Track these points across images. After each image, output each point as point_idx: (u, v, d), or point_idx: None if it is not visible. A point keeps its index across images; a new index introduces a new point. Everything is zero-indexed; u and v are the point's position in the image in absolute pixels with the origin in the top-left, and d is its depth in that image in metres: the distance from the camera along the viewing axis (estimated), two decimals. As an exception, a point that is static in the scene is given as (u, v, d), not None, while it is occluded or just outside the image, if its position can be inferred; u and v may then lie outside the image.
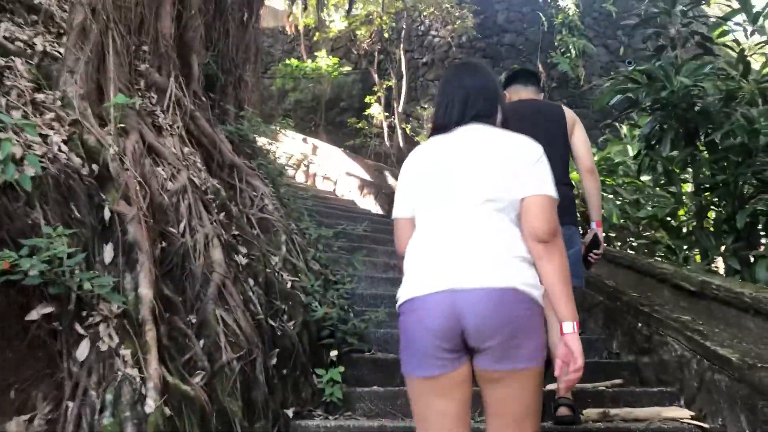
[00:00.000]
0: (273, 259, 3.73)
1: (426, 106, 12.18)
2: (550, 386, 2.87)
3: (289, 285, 3.63)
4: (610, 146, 7.20)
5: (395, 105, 11.76)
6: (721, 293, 3.05)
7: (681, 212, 5.18)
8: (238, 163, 4.39)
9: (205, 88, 4.83)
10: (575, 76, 11.52)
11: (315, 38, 12.99)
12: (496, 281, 1.83)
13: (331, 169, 10.99)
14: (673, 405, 3.13)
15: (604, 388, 3.42)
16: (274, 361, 3.16)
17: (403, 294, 1.96)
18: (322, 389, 3.29)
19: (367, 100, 12.19)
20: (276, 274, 3.60)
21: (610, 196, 6.70)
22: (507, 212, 1.94)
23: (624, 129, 7.93)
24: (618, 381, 3.58)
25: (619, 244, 6.91)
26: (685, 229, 5.69)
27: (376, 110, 11.88)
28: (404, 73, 11.73)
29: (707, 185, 4.68)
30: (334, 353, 3.53)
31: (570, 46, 11.49)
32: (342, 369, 3.40)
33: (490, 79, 2.20)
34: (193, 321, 2.82)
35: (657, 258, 7.43)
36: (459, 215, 1.94)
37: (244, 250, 3.62)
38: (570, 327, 1.90)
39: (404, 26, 12.19)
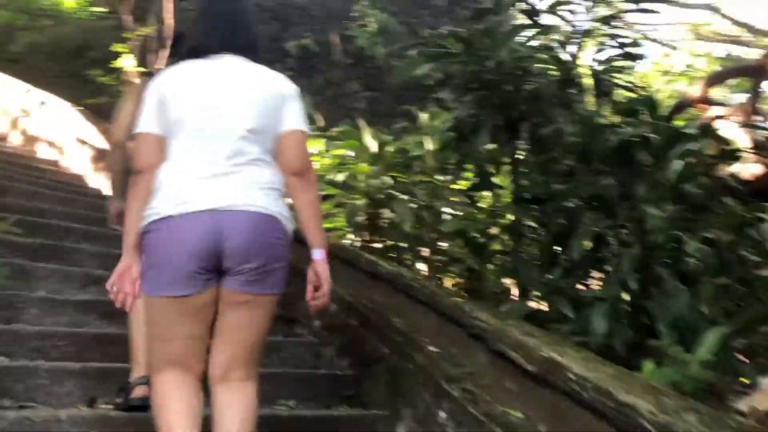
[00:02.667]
0: None
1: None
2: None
3: None
4: (406, 137, 6.03)
5: (155, 58, 9.62)
6: (587, 392, 1.80)
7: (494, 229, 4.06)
8: None
9: None
10: (372, 54, 10.38)
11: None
12: (258, 206, 1.98)
13: (59, 133, 8.61)
14: None
15: None
16: None
17: (160, 210, 1.97)
18: None
19: (117, 48, 9.90)
20: None
21: (405, 197, 5.50)
22: (266, 144, 2.11)
23: (424, 117, 6.85)
24: None
25: (409, 257, 5.77)
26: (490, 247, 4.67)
27: (129, 63, 9.66)
28: (172, 22, 9.66)
29: (533, 196, 3.58)
30: None
31: (371, 20, 10.32)
32: None
33: (253, 16, 2.44)
34: None
35: (455, 282, 6.46)
36: (223, 142, 2.03)
37: None
38: (319, 254, 2.17)
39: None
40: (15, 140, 8.96)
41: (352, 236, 5.61)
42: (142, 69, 9.66)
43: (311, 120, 9.13)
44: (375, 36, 10.35)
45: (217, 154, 2.02)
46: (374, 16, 10.27)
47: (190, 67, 2.14)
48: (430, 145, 6.37)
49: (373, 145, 5.81)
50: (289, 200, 2.20)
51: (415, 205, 5.60)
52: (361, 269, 4.10)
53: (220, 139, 2.04)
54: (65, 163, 8.30)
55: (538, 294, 3.45)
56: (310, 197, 2.16)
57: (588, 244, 3.42)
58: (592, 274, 3.62)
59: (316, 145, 6.57)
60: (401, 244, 5.60)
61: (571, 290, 3.33)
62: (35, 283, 3.84)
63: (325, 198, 5.90)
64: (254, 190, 2.01)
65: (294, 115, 2.18)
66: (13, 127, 9.09)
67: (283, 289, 2.09)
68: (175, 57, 2.22)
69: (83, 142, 8.25)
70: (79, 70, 11.08)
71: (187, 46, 2.25)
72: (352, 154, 6.08)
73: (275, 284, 2.06)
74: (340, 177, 5.57)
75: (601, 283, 3.49)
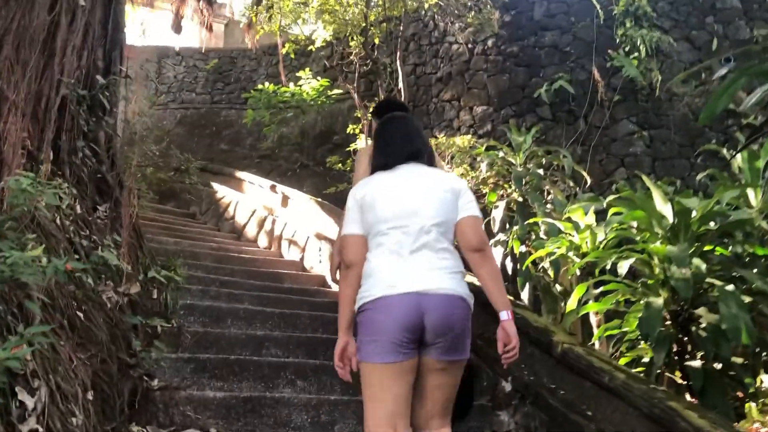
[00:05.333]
0: None
1: (441, 135, 9.43)
2: None
3: None
4: (719, 192, 4.28)
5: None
6: None
7: None
8: None
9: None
10: (647, 83, 8.61)
11: (283, 51, 10.43)
12: (448, 289, 2.57)
13: (300, 230, 8.32)
14: None
15: None
16: None
17: (374, 292, 2.56)
18: None
19: (350, 130, 9.50)
20: None
21: (730, 287, 3.78)
22: (448, 234, 2.70)
23: (738, 160, 5.02)
24: None
25: (751, 380, 3.95)
26: None
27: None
28: (403, 90, 9.05)
29: None
30: None
31: (638, 43, 8.61)
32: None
33: (420, 127, 3.09)
34: None
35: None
36: (417, 235, 2.61)
37: None
38: (506, 315, 2.66)
39: (401, 29, 9.54)
40: (262, 242, 8.92)
41: (648, 350, 4.01)
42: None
43: (575, 179, 7.65)
44: (647, 61, 8.59)
45: (414, 244, 2.60)
46: (642, 37, 8.55)
47: (381, 177, 2.77)
48: (755, 199, 4.56)
49: (667, 212, 4.20)
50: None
51: (750, 298, 3.85)
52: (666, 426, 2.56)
53: (415, 232, 2.61)
54: (307, 262, 7.92)
55: None
56: (490, 269, 2.69)
57: None
58: None
59: (579, 217, 5.10)
60: (736, 361, 3.84)
61: None
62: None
63: (603, 295, 4.38)
64: (445, 275, 2.60)
65: (469, 205, 2.73)
66: (259, 228, 9.10)
67: (468, 355, 2.67)
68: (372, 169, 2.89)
69: (321, 238, 7.81)
70: (322, 158, 11.05)
71: (375, 162, 2.87)
72: (635, 225, 4.52)
73: (463, 351, 2.64)
74: (624, 265, 4.03)
75: None
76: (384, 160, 2.82)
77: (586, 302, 4.44)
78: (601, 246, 4.81)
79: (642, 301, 4.10)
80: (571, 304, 4.39)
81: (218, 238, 8.84)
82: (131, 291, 4.23)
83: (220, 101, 13.80)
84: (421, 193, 2.67)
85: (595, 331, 4.89)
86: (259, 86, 11.09)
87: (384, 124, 3.05)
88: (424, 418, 2.65)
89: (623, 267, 3.94)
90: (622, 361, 4.32)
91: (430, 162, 2.88)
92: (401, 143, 2.83)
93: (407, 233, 2.59)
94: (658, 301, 3.79)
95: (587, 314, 4.88)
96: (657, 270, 4.10)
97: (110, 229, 4.96)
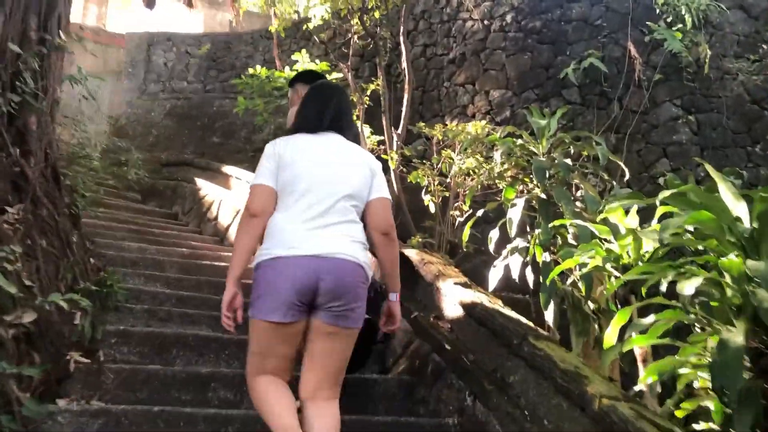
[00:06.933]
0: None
1: (452, 123, 8.40)
2: None
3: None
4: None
5: (386, 122, 7.90)
6: None
7: None
8: None
9: None
10: (693, 59, 7.51)
11: (272, 29, 9.43)
12: (347, 254, 2.64)
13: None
14: None
15: None
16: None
17: (273, 252, 2.59)
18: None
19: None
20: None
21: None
22: (358, 207, 2.81)
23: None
24: None
25: None
26: None
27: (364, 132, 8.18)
28: (407, 70, 8.02)
29: None
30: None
31: (682, 12, 7.52)
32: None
33: (349, 103, 3.11)
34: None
35: None
36: (327, 201, 2.69)
37: None
38: (394, 297, 2.95)
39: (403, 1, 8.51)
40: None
41: (715, 399, 2.96)
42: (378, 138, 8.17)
43: (608, 171, 6.59)
44: (693, 33, 7.49)
45: (322, 210, 2.68)
46: (688, 6, 7.46)
47: (303, 138, 2.85)
48: None
49: (742, 213, 3.17)
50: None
51: None
52: None
53: (326, 198, 2.70)
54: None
55: None
56: (394, 253, 2.88)
57: None
58: None
59: (619, 219, 4.06)
60: None
61: None
62: None
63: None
64: (347, 242, 2.67)
65: (382, 186, 2.90)
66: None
67: (360, 325, 2.74)
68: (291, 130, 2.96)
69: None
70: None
71: (299, 122, 2.93)
72: (691, 229, 3.49)
73: (355, 320, 2.71)
74: (688, 287, 2.97)
75: None
76: (311, 122, 2.89)
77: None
78: (647, 256, 3.78)
79: (697, 329, 3.09)
80: (610, 336, 3.35)
81: (195, 242, 7.89)
82: (24, 320, 3.29)
83: (214, 90, 12.88)
84: (343, 164, 2.79)
85: (640, 367, 3.85)
86: (251, 71, 10.11)
87: (318, 88, 3.08)
88: (313, 388, 2.69)
89: (687, 288, 2.89)
90: (680, 414, 3.29)
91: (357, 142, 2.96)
92: (332, 111, 2.92)
93: (320, 199, 2.68)
94: (738, 338, 2.74)
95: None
96: (730, 292, 3.05)
97: (22, 236, 4.04)
